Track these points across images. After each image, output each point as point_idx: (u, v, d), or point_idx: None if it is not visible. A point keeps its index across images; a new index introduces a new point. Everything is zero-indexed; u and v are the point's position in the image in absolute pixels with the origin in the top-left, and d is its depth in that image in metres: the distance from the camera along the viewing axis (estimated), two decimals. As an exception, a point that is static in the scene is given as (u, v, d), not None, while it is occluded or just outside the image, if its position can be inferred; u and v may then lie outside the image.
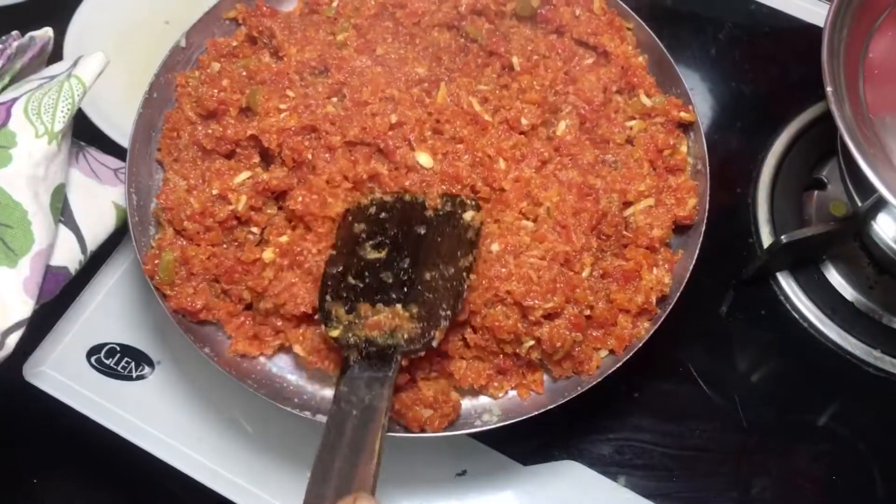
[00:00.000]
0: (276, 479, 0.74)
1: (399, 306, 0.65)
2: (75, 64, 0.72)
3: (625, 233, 0.71)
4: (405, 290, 0.65)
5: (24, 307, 0.66)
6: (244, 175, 0.72)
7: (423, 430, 0.65)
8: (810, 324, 0.82)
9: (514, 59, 0.75)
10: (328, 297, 0.66)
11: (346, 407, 0.60)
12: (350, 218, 0.69)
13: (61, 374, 0.77)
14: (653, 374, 0.80)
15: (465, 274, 0.66)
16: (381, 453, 0.57)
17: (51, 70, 0.73)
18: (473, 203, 0.69)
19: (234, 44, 0.80)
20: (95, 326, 0.79)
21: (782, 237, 0.77)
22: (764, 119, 0.93)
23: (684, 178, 0.74)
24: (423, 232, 0.68)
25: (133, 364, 0.78)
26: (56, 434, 0.77)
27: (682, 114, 0.75)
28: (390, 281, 0.66)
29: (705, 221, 0.72)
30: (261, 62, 0.77)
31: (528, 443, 0.75)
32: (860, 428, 0.79)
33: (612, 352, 0.69)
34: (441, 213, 0.69)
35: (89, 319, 0.79)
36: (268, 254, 0.69)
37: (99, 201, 0.76)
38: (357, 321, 0.64)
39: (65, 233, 0.72)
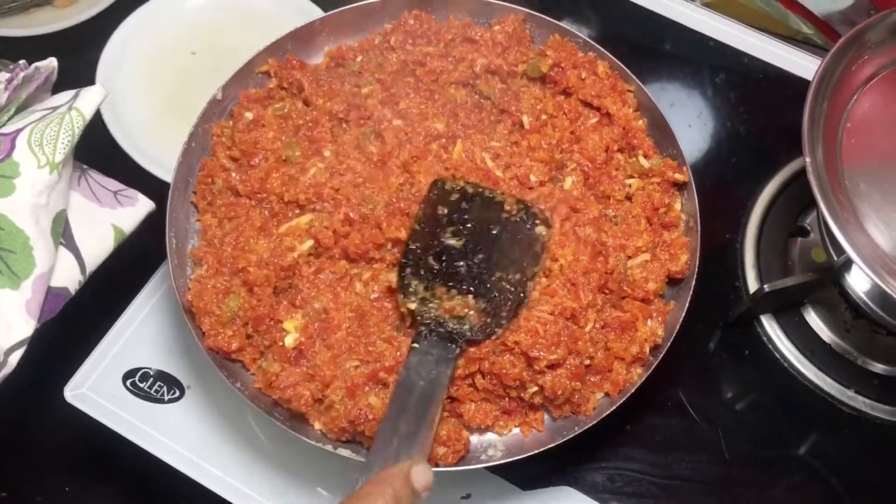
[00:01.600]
0: (294, 498, 0.79)
1: (471, 297, 0.71)
2: (77, 96, 0.76)
3: (624, 287, 0.76)
4: (476, 283, 0.71)
5: (26, 327, 0.71)
6: (307, 218, 0.76)
7: (437, 465, 0.70)
8: (790, 364, 0.87)
9: (524, 118, 0.81)
10: (408, 271, 0.72)
11: (415, 377, 0.66)
12: (434, 198, 0.74)
13: (99, 395, 0.82)
14: (644, 408, 0.85)
15: (528, 283, 0.72)
16: (437, 425, 0.64)
17: (54, 101, 0.77)
18: (545, 218, 0.75)
19: (270, 87, 0.85)
20: (131, 352, 0.84)
21: (765, 286, 0.83)
22: (755, 163, 0.98)
23: (677, 235, 0.79)
24: (496, 231, 0.74)
25: (165, 388, 0.83)
26: (93, 450, 0.83)
27: (677, 175, 0.80)
28: (464, 271, 0.72)
29: (696, 275, 0.77)
30: (295, 106, 0.83)
31: (527, 469, 0.80)
32: (833, 463, 0.84)
33: (607, 394, 0.74)
34: (516, 218, 0.74)
35: (125, 345, 0.84)
36: (289, 339, 0.72)
37: (98, 224, 0.79)
38: (432, 301, 0.70)
39: (65, 255, 0.76)
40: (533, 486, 0.81)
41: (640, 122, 0.84)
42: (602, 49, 0.86)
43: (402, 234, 0.74)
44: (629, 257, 0.77)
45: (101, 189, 0.81)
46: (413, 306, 0.71)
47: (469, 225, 0.74)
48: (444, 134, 0.80)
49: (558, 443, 0.72)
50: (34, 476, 0.84)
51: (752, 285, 0.89)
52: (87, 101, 0.75)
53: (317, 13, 1.02)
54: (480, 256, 0.72)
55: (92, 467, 0.84)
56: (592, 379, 0.74)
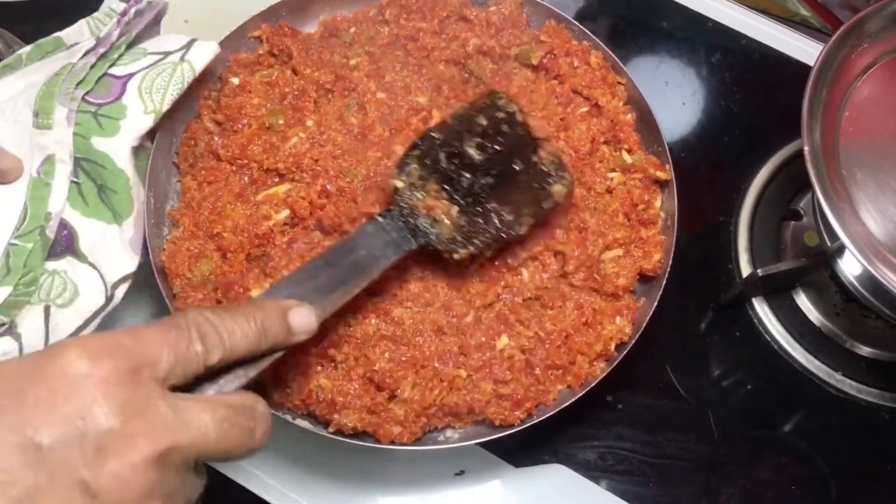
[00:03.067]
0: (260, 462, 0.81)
1: (456, 210, 0.69)
2: (189, 48, 0.77)
3: (595, 276, 0.76)
4: (470, 200, 0.70)
5: (130, 262, 0.73)
6: (285, 187, 0.77)
7: (392, 443, 0.71)
8: (780, 346, 0.89)
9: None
10: (416, 152, 0.70)
11: (360, 245, 0.65)
12: (482, 105, 0.73)
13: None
14: (635, 389, 0.86)
15: (513, 231, 0.70)
16: (351, 297, 0.62)
17: (165, 44, 0.78)
18: (568, 179, 0.73)
19: (259, 53, 0.84)
20: (118, 326, 0.82)
21: (758, 270, 0.84)
22: (750, 145, 0.98)
23: (654, 232, 0.79)
24: (518, 168, 0.71)
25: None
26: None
27: (659, 173, 0.80)
28: (465, 184, 0.70)
29: (667, 274, 0.77)
30: (283, 74, 0.82)
31: (520, 447, 0.82)
32: (820, 443, 0.85)
33: (569, 386, 0.75)
34: (542, 166, 0.72)
35: (111, 319, 0.82)
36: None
37: None
38: (419, 190, 0.69)
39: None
40: (525, 463, 0.82)
41: (629, 116, 0.83)
42: (596, 39, 0.86)
43: (377, 209, 0.73)
44: (606, 248, 0.77)
45: None
46: (400, 185, 0.69)
47: (497, 147, 0.71)
48: (426, 107, 0.80)
49: (517, 429, 0.72)
50: None
51: (745, 268, 0.90)
52: (199, 54, 0.77)
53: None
54: (489, 181, 0.70)
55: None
56: (553, 373, 0.73)
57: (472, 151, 0.71)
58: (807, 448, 0.85)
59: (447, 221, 0.69)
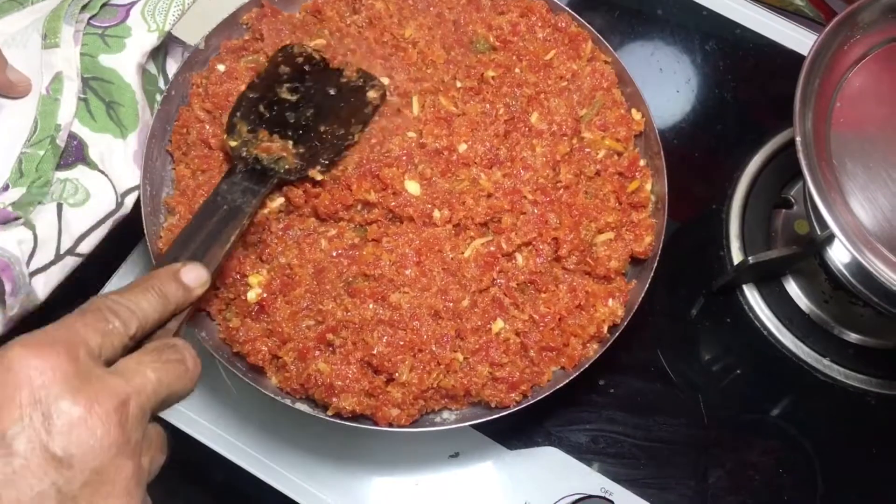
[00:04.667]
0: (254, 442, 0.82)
1: (290, 143, 0.76)
2: None
3: (588, 260, 0.77)
4: (300, 132, 0.77)
5: (132, 176, 0.77)
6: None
7: (390, 426, 0.72)
8: (769, 332, 0.90)
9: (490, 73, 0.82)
10: (238, 114, 0.77)
11: (221, 202, 0.70)
12: (280, 58, 0.80)
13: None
14: (627, 373, 0.88)
15: (349, 138, 0.77)
16: (232, 247, 0.68)
17: None
18: (379, 84, 0.80)
19: (245, 38, 0.84)
20: None
21: (750, 258, 0.85)
22: (743, 133, 1.00)
23: (645, 216, 0.80)
24: (332, 93, 0.79)
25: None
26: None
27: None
28: (292, 121, 0.77)
29: (658, 256, 0.78)
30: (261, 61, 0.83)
31: (514, 430, 0.84)
32: (807, 428, 0.87)
33: (563, 368, 0.76)
34: (352, 83, 0.80)
35: None
36: (251, 294, 0.74)
37: None
38: (253, 141, 0.76)
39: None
40: (518, 446, 0.84)
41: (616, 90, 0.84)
42: (588, 25, 0.85)
43: (372, 197, 0.75)
44: (598, 231, 0.78)
45: None
46: (234, 144, 0.75)
47: (308, 84, 0.79)
48: (400, 90, 0.81)
49: (512, 410, 0.74)
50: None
51: (736, 256, 0.92)
52: None
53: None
54: (311, 112, 0.78)
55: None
56: (548, 355, 0.75)
57: (286, 95, 0.79)
58: (794, 432, 0.87)
59: (287, 155, 0.75)
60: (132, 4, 0.79)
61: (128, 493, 0.46)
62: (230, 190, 0.71)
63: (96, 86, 0.76)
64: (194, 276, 0.60)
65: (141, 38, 0.78)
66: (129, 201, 0.76)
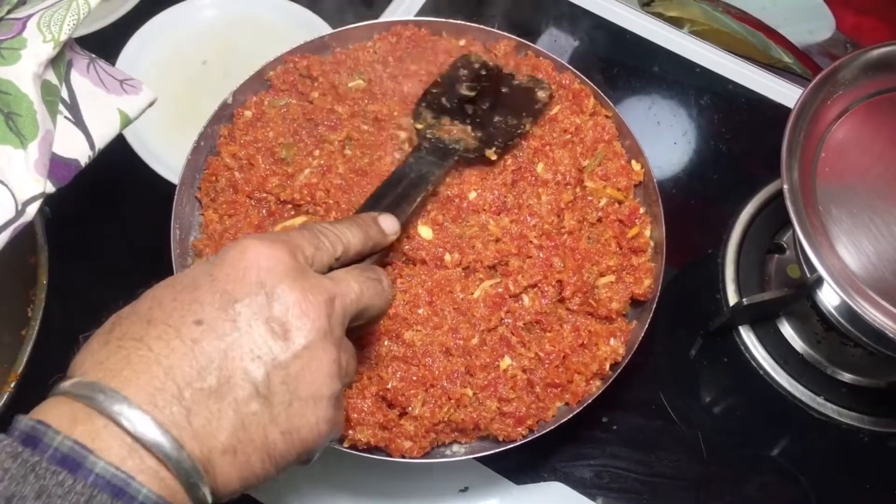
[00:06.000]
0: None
1: (469, 127, 0.84)
2: None
3: (591, 301, 0.80)
4: (477, 120, 0.85)
5: (35, 184, 0.76)
6: (301, 219, 0.81)
7: (402, 457, 0.75)
8: (765, 371, 0.93)
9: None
10: (423, 104, 0.85)
11: (408, 171, 0.78)
12: (459, 64, 0.89)
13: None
14: (629, 410, 0.91)
15: (521, 128, 0.85)
16: (417, 207, 0.76)
17: None
18: (547, 86, 0.88)
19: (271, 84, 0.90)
20: None
21: (744, 299, 0.89)
22: (736, 182, 1.04)
23: (644, 260, 0.84)
24: (505, 91, 0.88)
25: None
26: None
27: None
28: (470, 112, 0.86)
29: (657, 298, 0.81)
30: (291, 102, 0.88)
31: (521, 465, 0.87)
32: (802, 464, 0.90)
33: (567, 404, 0.79)
34: (524, 84, 0.89)
35: None
36: None
37: (105, 107, 0.83)
38: (437, 125, 0.83)
39: (74, 131, 0.81)
40: (525, 480, 0.87)
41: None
42: (590, 82, 0.90)
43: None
44: (600, 274, 0.82)
45: (108, 77, 0.86)
46: (420, 126, 0.83)
47: (484, 84, 0.88)
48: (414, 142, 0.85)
49: (518, 443, 0.76)
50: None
51: (732, 298, 0.95)
52: None
53: (324, 28, 1.07)
54: (487, 105, 0.87)
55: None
56: (553, 391, 0.78)
57: (466, 91, 0.87)
58: (791, 468, 0.90)
59: (466, 137, 0.83)
60: (29, 17, 0.79)
61: (329, 375, 0.53)
62: (417, 163, 0.79)
63: None
64: (389, 223, 0.68)
65: (36, 48, 0.77)
66: (32, 210, 0.76)
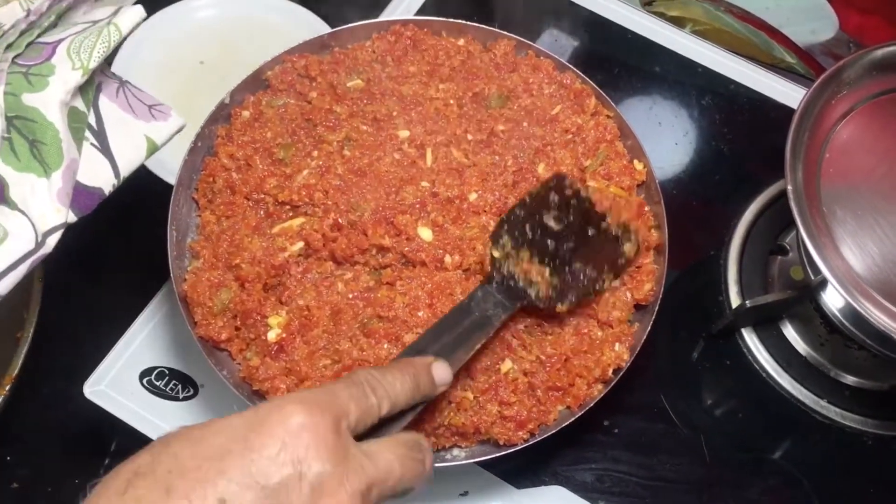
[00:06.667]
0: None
1: (548, 270, 0.76)
2: (116, 13, 0.79)
3: (594, 305, 0.80)
4: (557, 262, 0.77)
5: (57, 214, 0.74)
6: (299, 220, 0.81)
7: None
8: (768, 374, 0.93)
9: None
10: (505, 227, 0.77)
11: (474, 307, 0.73)
12: (552, 185, 0.79)
13: (117, 392, 0.86)
14: (631, 413, 0.90)
15: (598, 285, 0.78)
16: (474, 352, 0.70)
17: (95, 15, 0.81)
18: (634, 241, 0.80)
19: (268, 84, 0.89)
20: (147, 352, 0.88)
21: (747, 302, 0.88)
22: (738, 183, 1.03)
23: (647, 262, 0.83)
24: (592, 234, 0.79)
25: (180, 386, 0.87)
26: (110, 445, 0.86)
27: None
28: (551, 249, 0.77)
29: (659, 301, 0.80)
30: (289, 102, 0.87)
31: (522, 469, 0.86)
32: (805, 467, 0.89)
33: (568, 407, 0.78)
34: (612, 232, 0.80)
35: (142, 345, 0.88)
36: (271, 334, 0.77)
37: (133, 133, 0.82)
38: (514, 257, 0.76)
39: (100, 158, 0.79)
40: (526, 484, 0.86)
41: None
42: (591, 82, 0.90)
43: (387, 242, 0.78)
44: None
45: (138, 102, 0.84)
46: (497, 254, 0.76)
47: (571, 218, 0.79)
48: (416, 143, 0.84)
49: (520, 447, 0.76)
50: (46, 468, 0.87)
51: (735, 300, 0.95)
52: (125, 18, 0.78)
53: (323, 28, 1.06)
54: (570, 245, 0.78)
55: (107, 461, 0.86)
56: (554, 394, 0.77)
57: (551, 223, 0.78)
58: (794, 471, 0.89)
59: (542, 281, 0.76)
60: (59, 42, 0.77)
61: None
62: (484, 299, 0.73)
63: (20, 125, 0.75)
64: (442, 373, 0.63)
65: (65, 75, 0.76)
66: (52, 241, 0.74)
